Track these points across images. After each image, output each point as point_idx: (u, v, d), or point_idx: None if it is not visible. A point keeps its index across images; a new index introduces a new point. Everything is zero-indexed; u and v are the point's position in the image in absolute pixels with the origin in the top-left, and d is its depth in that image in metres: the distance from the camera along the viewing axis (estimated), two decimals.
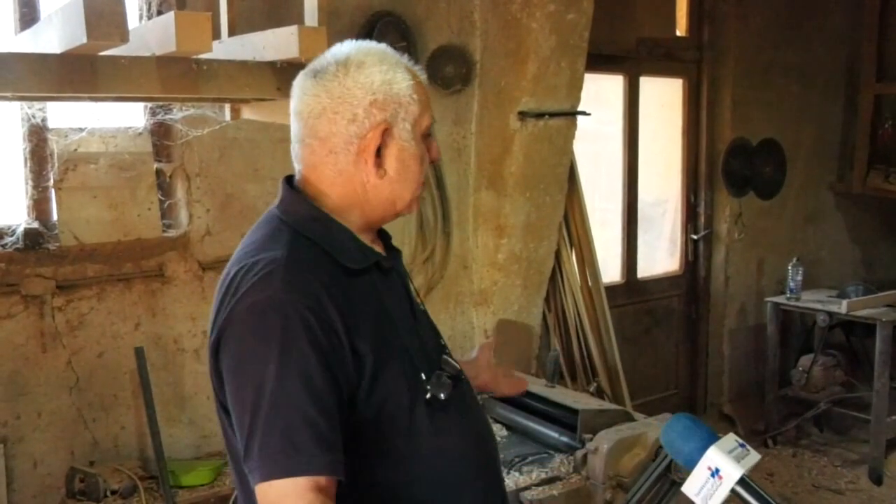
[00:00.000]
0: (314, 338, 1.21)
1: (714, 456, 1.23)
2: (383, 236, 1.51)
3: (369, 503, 1.32)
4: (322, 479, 1.18)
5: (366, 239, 1.41)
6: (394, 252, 1.49)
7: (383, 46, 1.40)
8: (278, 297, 1.23)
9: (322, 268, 1.29)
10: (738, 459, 1.24)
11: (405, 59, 1.41)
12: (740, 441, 1.28)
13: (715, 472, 1.23)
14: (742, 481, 1.22)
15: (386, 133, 1.34)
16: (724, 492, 1.22)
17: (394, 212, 1.41)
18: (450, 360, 1.43)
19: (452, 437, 1.38)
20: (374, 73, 1.34)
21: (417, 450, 1.33)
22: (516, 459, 2.90)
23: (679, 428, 1.31)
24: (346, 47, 1.39)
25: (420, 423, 1.33)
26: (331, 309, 1.23)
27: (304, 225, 1.34)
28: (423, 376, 1.35)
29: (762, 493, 1.23)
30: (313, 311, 1.22)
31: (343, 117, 1.33)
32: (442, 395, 1.34)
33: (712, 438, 1.27)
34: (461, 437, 1.40)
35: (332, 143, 1.34)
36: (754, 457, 1.26)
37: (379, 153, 1.35)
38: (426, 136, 1.39)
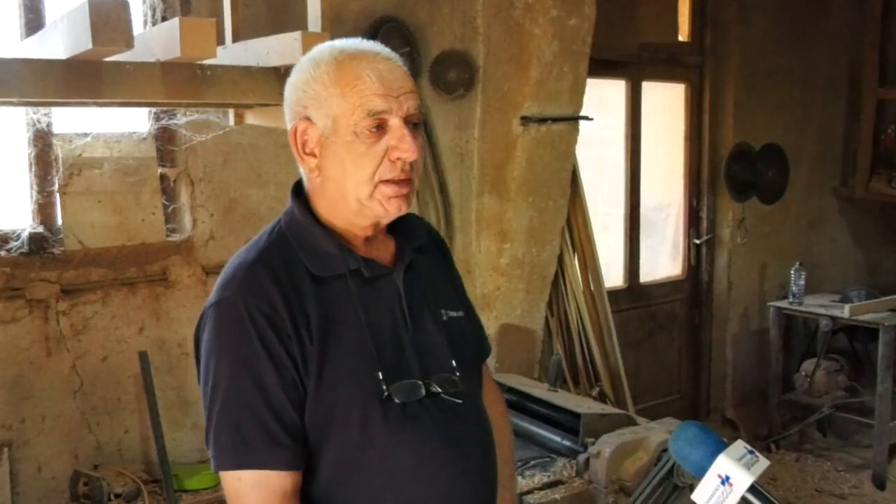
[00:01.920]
0: (264, 337, 1.27)
1: (724, 463, 1.23)
2: (404, 232, 1.47)
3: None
4: (272, 473, 1.27)
5: (357, 243, 1.39)
6: (406, 256, 1.44)
7: (329, 43, 1.39)
8: (233, 298, 1.31)
9: (289, 271, 1.33)
10: (748, 466, 1.23)
11: (373, 51, 1.37)
12: (749, 448, 1.27)
13: (725, 480, 1.22)
14: (752, 488, 1.22)
15: (308, 130, 1.35)
16: (734, 499, 1.21)
17: (351, 211, 1.36)
18: (450, 377, 1.40)
19: (410, 453, 1.34)
20: (299, 72, 1.37)
21: (366, 460, 1.32)
22: (519, 463, 2.90)
23: (688, 436, 1.30)
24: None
25: (373, 430, 1.31)
26: (282, 311, 1.28)
27: (291, 228, 1.39)
28: (381, 376, 1.32)
29: (772, 499, 1.23)
30: (264, 314, 1.28)
31: (287, 119, 1.40)
32: (397, 399, 1.32)
33: (721, 446, 1.26)
34: (423, 457, 1.35)
35: (291, 147, 1.38)
36: (763, 463, 1.25)
37: (314, 153, 1.36)
38: (370, 131, 1.31)
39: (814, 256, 5.37)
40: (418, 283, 1.44)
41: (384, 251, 1.44)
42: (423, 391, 1.36)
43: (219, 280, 1.37)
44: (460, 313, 1.51)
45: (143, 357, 3.01)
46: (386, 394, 1.32)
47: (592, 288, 4.23)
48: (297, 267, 1.34)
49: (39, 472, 2.92)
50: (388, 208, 1.34)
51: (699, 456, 1.26)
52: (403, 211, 1.37)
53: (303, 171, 1.41)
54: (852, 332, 4.98)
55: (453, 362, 1.43)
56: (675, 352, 5.19)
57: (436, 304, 1.46)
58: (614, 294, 4.53)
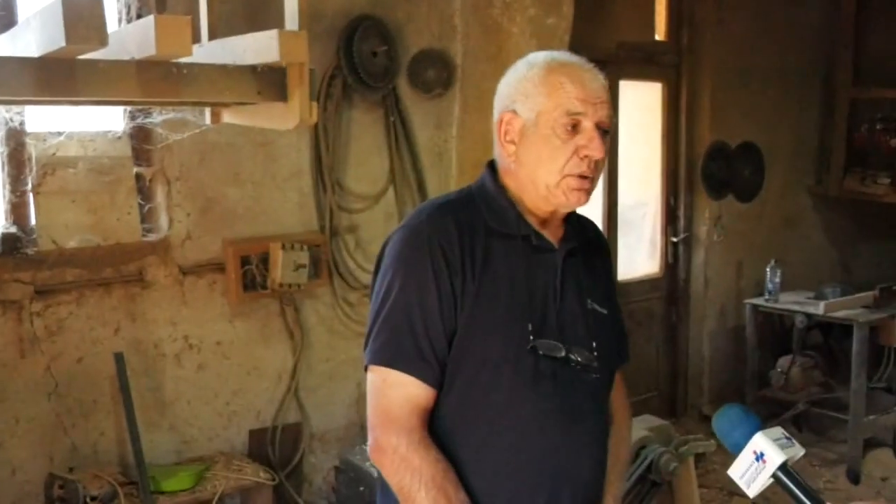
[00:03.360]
0: (437, 266, 1.48)
1: (760, 441, 1.30)
2: (573, 227, 1.63)
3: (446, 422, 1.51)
4: (414, 381, 1.46)
5: (533, 220, 1.58)
6: (570, 243, 1.60)
7: (547, 52, 1.60)
8: (419, 227, 1.53)
9: (469, 220, 1.54)
10: (782, 447, 1.30)
11: (581, 63, 1.56)
12: (787, 435, 1.35)
13: (759, 457, 1.29)
14: (783, 467, 1.28)
15: (512, 120, 1.55)
16: (766, 475, 1.28)
17: (539, 196, 1.54)
18: (583, 352, 1.55)
19: (531, 406, 1.49)
20: (513, 72, 1.60)
21: (488, 403, 1.49)
22: None
23: (731, 415, 1.37)
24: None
25: (505, 375, 1.47)
26: (457, 248, 1.49)
27: (480, 190, 1.62)
28: (531, 327, 1.49)
29: (801, 480, 1.29)
30: (441, 246, 1.48)
31: (495, 110, 1.62)
32: (541, 352, 1.49)
33: (759, 426, 1.33)
34: (541, 415, 1.50)
35: (495, 133, 1.61)
36: (798, 450, 1.33)
37: (514, 140, 1.55)
38: (567, 129, 1.50)
39: (789, 254, 5.41)
40: (574, 270, 1.61)
41: (554, 234, 1.61)
42: (564, 353, 1.52)
43: (408, 215, 1.62)
44: (605, 311, 1.64)
45: (118, 358, 2.98)
46: (532, 345, 1.49)
47: None
48: (477, 220, 1.55)
49: (13, 476, 2.88)
50: (570, 198, 1.53)
51: (738, 434, 1.33)
52: (583, 203, 1.56)
53: (498, 155, 1.62)
54: (827, 328, 5.04)
55: (594, 343, 1.58)
56: (652, 349, 5.22)
57: (585, 292, 1.61)
58: None
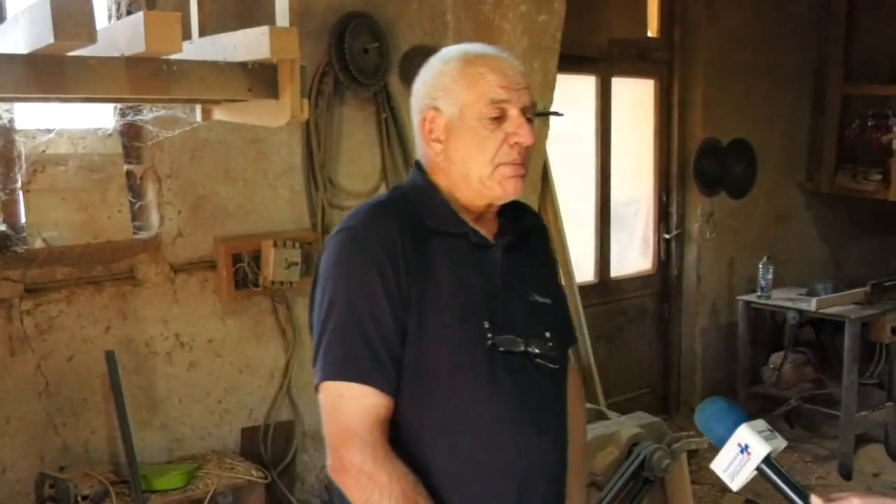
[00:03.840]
0: (382, 268, 1.42)
1: (745, 433, 1.29)
2: (510, 219, 1.60)
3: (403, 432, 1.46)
4: (373, 391, 1.39)
5: (467, 216, 1.54)
6: (507, 236, 1.57)
7: (460, 46, 1.58)
8: (358, 228, 1.48)
9: (408, 219, 1.49)
10: (766, 439, 1.29)
11: (495, 53, 1.54)
12: (770, 427, 1.34)
13: (744, 449, 1.29)
14: (767, 460, 1.27)
15: (436, 118, 1.51)
16: (750, 467, 1.28)
17: (472, 191, 1.52)
18: (540, 343, 1.52)
19: (497, 403, 1.45)
20: (429, 69, 1.56)
21: (450, 406, 1.44)
22: None
23: (714, 408, 1.37)
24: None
25: (463, 375, 1.44)
26: (399, 247, 1.43)
27: (413, 190, 1.58)
28: (487, 325, 1.45)
29: (785, 473, 1.28)
30: (384, 247, 1.43)
31: (414, 110, 1.58)
32: (501, 349, 1.45)
33: (745, 418, 1.33)
34: (509, 410, 1.46)
35: (417, 133, 1.58)
36: (781, 442, 1.32)
37: (440, 138, 1.52)
38: (493, 119, 1.47)
39: (781, 250, 5.43)
40: (515, 263, 1.58)
41: (489, 228, 1.58)
42: (523, 347, 1.49)
43: (345, 216, 1.55)
44: (548, 301, 1.61)
45: (109, 357, 2.97)
46: (490, 342, 1.45)
47: (563, 283, 4.25)
48: (415, 219, 1.50)
49: (4, 475, 2.87)
50: (507, 187, 1.50)
51: (722, 428, 1.32)
52: (519, 191, 1.52)
53: (424, 155, 1.58)
54: (819, 325, 5.05)
55: (547, 334, 1.55)
56: (645, 346, 5.23)
57: (527, 285, 1.58)
58: (585, 289, 4.54)
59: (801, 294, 4.88)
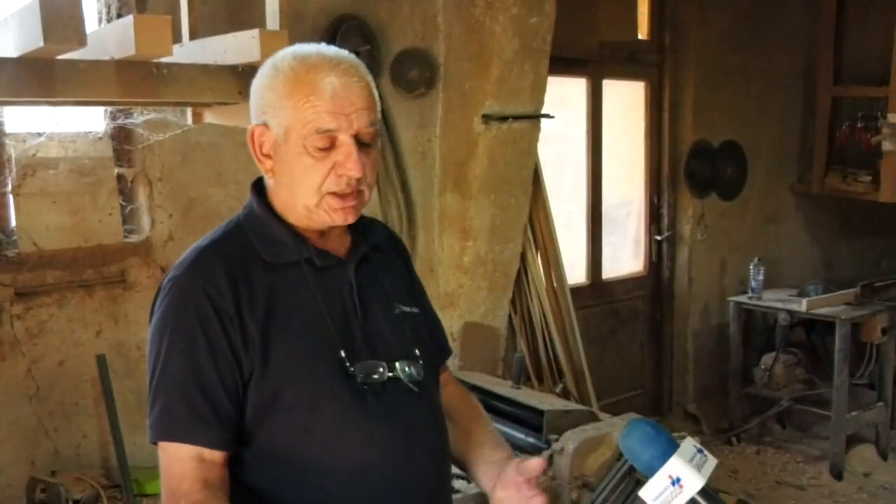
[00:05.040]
0: (204, 319, 1.32)
1: (676, 465, 1.24)
2: (361, 231, 1.50)
3: (258, 477, 1.37)
4: (195, 448, 1.30)
5: (311, 235, 1.43)
6: (360, 250, 1.48)
7: (290, 50, 1.41)
8: (181, 278, 1.37)
9: (241, 258, 1.39)
10: (698, 467, 1.25)
11: (329, 59, 1.38)
12: (698, 447, 1.29)
13: (676, 481, 1.23)
14: (702, 491, 1.23)
15: (264, 134, 1.39)
16: (683, 500, 1.23)
17: (303, 215, 1.40)
18: (406, 362, 1.43)
19: (363, 434, 1.36)
20: (261, 77, 1.41)
21: (315, 442, 1.35)
22: None
23: (639, 434, 1.30)
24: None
25: (324, 409, 1.34)
26: (227, 294, 1.33)
27: (248, 219, 1.45)
28: (343, 354, 1.37)
29: (719, 500, 1.25)
30: (209, 295, 1.33)
31: (251, 117, 1.43)
32: (360, 377, 1.36)
33: (672, 446, 1.27)
34: (375, 439, 1.37)
35: (249, 147, 1.43)
36: (712, 462, 1.27)
37: (270, 155, 1.40)
38: (319, 149, 1.35)
39: (772, 252, 5.45)
40: (372, 278, 1.48)
41: (339, 245, 1.47)
42: (384, 370, 1.40)
43: (178, 260, 1.43)
44: (416, 310, 1.53)
45: (101, 360, 2.96)
46: (351, 370, 1.36)
47: (555, 285, 4.26)
48: (249, 255, 1.40)
49: None
50: (335, 217, 1.39)
51: (650, 455, 1.27)
52: (350, 220, 1.41)
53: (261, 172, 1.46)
54: (810, 325, 5.07)
55: (416, 350, 1.47)
56: (637, 347, 5.24)
57: (390, 298, 1.49)
58: (577, 291, 4.55)
59: (791, 295, 4.89)
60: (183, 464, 1.30)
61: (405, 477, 1.40)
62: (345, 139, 1.35)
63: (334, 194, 1.37)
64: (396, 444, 1.39)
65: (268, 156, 1.40)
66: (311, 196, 1.37)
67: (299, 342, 1.36)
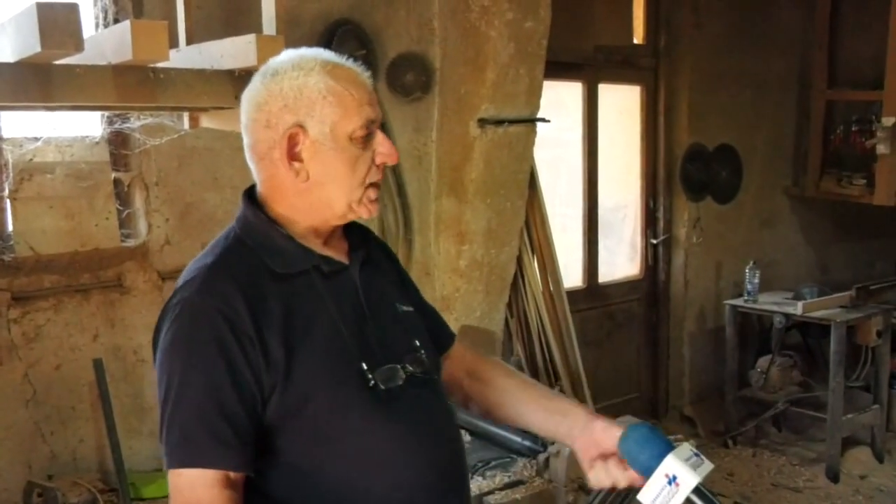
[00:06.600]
0: (221, 339, 1.29)
1: (672, 463, 1.26)
2: (353, 235, 1.51)
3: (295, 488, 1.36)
4: (215, 472, 1.27)
5: (314, 243, 1.43)
6: (359, 253, 1.49)
7: (306, 52, 1.42)
8: (193, 299, 1.33)
9: (249, 272, 1.36)
10: (694, 468, 1.27)
11: (348, 62, 1.41)
12: (695, 450, 1.31)
13: (672, 480, 1.26)
14: (697, 489, 1.25)
15: (299, 136, 1.37)
16: (679, 499, 1.25)
17: (334, 215, 1.41)
18: (418, 358, 1.45)
19: (393, 437, 1.38)
20: (285, 79, 1.38)
21: (343, 450, 1.34)
22: (479, 464, 2.92)
23: (637, 437, 1.33)
24: (274, 59, 1.43)
25: (354, 419, 1.34)
26: (243, 311, 1.30)
27: (247, 231, 1.42)
28: (365, 366, 1.36)
29: (715, 500, 1.26)
30: (223, 314, 1.29)
31: (260, 124, 1.39)
32: (382, 386, 1.36)
33: (669, 447, 1.29)
34: (404, 439, 1.39)
35: (259, 151, 1.40)
36: (708, 466, 1.29)
37: (301, 158, 1.37)
38: (363, 138, 1.38)
39: (767, 255, 5.46)
40: (373, 280, 1.49)
41: (339, 249, 1.48)
42: (403, 374, 1.40)
43: (178, 283, 1.39)
44: (410, 308, 1.55)
45: (97, 365, 2.96)
46: (372, 382, 1.36)
47: (551, 288, 4.27)
48: (257, 267, 1.37)
49: None
50: (371, 209, 1.41)
51: (647, 456, 1.29)
52: (375, 213, 1.43)
53: (269, 178, 1.41)
54: (805, 328, 5.08)
55: (417, 342, 1.48)
56: (633, 351, 5.25)
57: (389, 297, 1.52)
58: (573, 294, 4.56)
59: (787, 298, 4.91)
60: (206, 489, 1.27)
61: (439, 469, 1.42)
62: (376, 128, 1.40)
63: (374, 185, 1.41)
64: (424, 438, 1.41)
65: (297, 159, 1.37)
66: (356, 190, 1.39)
67: (319, 352, 1.35)
